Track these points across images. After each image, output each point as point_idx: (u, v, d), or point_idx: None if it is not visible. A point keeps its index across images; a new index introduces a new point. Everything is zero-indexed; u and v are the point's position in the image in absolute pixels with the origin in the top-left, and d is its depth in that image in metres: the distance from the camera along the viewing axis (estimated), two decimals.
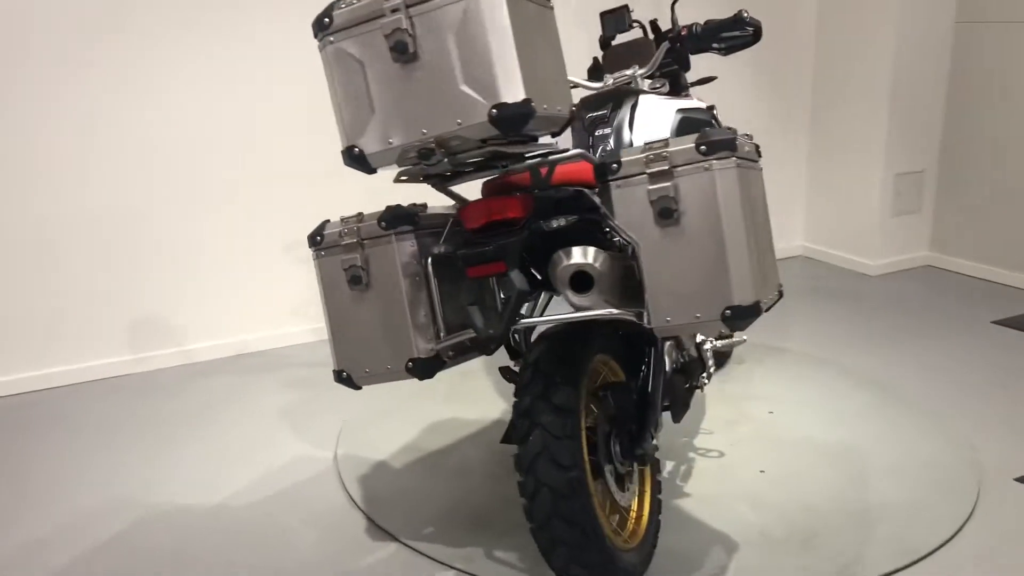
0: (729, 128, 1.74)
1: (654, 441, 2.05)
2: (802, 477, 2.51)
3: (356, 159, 1.68)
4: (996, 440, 2.70)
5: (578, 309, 1.76)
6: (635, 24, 2.96)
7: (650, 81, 2.85)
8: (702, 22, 2.82)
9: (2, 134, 3.32)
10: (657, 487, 2.19)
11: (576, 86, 2.72)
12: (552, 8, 1.75)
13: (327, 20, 1.65)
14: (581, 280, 1.74)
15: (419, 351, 1.85)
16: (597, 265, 1.72)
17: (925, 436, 2.74)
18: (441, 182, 1.85)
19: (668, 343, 2.23)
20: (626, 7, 2.91)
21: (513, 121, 1.54)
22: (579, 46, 4.02)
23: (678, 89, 2.92)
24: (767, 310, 1.77)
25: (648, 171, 1.70)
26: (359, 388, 1.98)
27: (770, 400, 3.06)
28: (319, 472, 2.69)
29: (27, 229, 3.43)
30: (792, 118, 5.11)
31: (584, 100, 2.65)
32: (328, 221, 1.96)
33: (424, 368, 1.86)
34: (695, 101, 2.76)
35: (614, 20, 2.95)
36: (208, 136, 3.65)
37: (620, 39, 3.10)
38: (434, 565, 2.15)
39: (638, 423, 2.04)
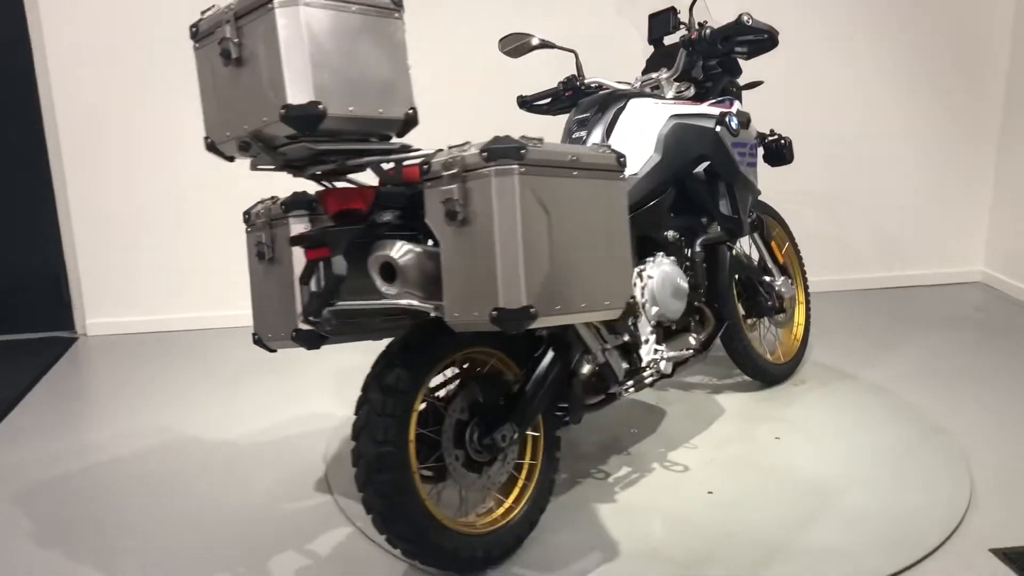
0: (527, 139, 1.76)
1: (515, 435, 2.09)
2: (748, 507, 2.37)
3: (210, 148, 1.96)
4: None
5: (385, 297, 1.90)
6: (682, 26, 2.93)
7: (677, 84, 2.80)
8: (715, 25, 2.73)
9: (154, 109, 4.02)
10: (542, 479, 2.24)
11: (601, 87, 2.77)
12: (398, 17, 1.89)
13: (195, 29, 1.93)
14: (389, 270, 1.88)
15: (301, 323, 2.09)
16: (399, 258, 1.84)
17: (927, 507, 2.44)
18: (297, 171, 2.06)
19: (580, 344, 2.25)
20: (672, 9, 2.90)
21: (301, 121, 1.73)
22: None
23: (711, 93, 2.84)
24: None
25: (444, 173, 1.79)
26: (273, 351, 2.25)
27: (790, 425, 2.87)
28: None
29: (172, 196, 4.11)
30: (979, 128, 4.55)
31: (579, 103, 2.70)
32: (259, 202, 2.25)
33: (305, 338, 2.09)
34: (702, 107, 2.69)
35: (660, 22, 2.95)
36: None
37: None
38: None
39: (501, 415, 2.10)
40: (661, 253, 2.60)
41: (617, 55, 3.46)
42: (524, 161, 1.73)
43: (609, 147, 1.98)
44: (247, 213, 2.22)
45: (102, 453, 2.87)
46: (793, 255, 3.38)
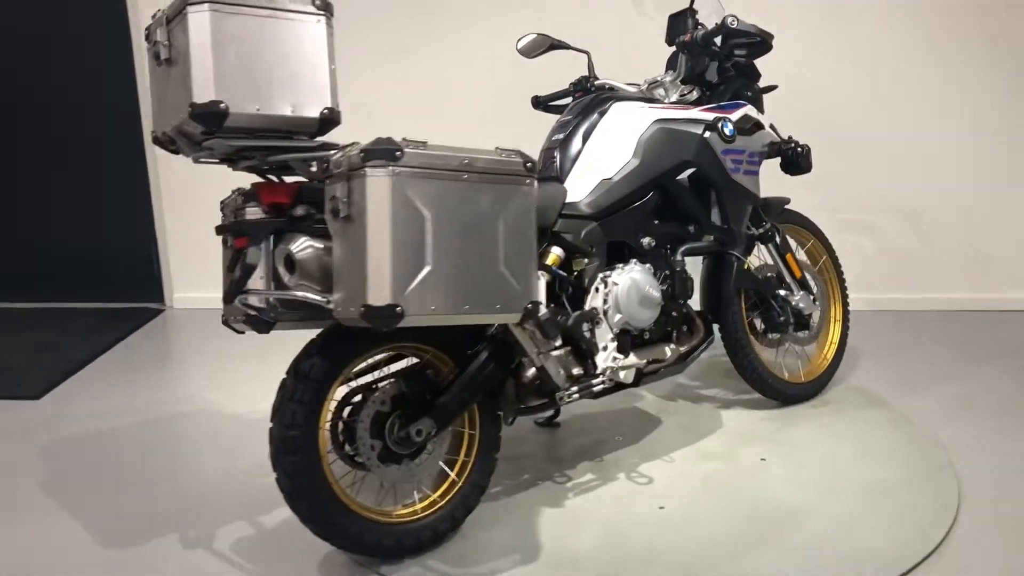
0: (408, 141, 1.80)
1: (432, 431, 2.12)
2: (692, 526, 2.29)
3: (155, 141, 2.12)
4: None
5: (289, 289, 1.98)
6: (700, 27, 2.84)
7: (681, 87, 2.73)
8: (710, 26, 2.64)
9: None
10: (473, 477, 2.27)
11: (610, 88, 2.75)
12: (319, 21, 1.97)
13: (147, 32, 2.10)
14: (291, 263, 1.97)
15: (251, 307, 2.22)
16: (297, 252, 1.93)
17: (883, 550, 2.26)
18: (232, 165, 2.17)
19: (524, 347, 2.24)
20: (691, 9, 2.83)
21: (205, 118, 1.85)
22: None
23: (720, 96, 2.74)
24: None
25: (334, 172, 1.86)
26: (241, 332, 2.40)
27: (783, 448, 2.72)
28: None
29: None
30: None
31: (570, 105, 2.70)
32: (232, 192, 2.40)
33: (253, 323, 2.22)
34: (693, 111, 2.61)
35: (679, 22, 2.89)
36: None
37: None
38: None
39: (421, 409, 2.15)
40: (634, 260, 2.54)
41: (643, 56, 3.37)
42: (399, 163, 1.77)
43: (518, 152, 1.98)
44: (222, 202, 2.38)
45: (151, 411, 3.15)
46: (831, 269, 3.19)
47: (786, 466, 2.62)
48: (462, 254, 1.86)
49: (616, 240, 2.54)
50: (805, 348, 3.15)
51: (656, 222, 2.62)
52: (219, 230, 2.10)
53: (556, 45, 2.81)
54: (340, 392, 2.15)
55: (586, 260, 2.49)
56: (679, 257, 2.60)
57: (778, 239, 2.93)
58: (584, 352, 2.42)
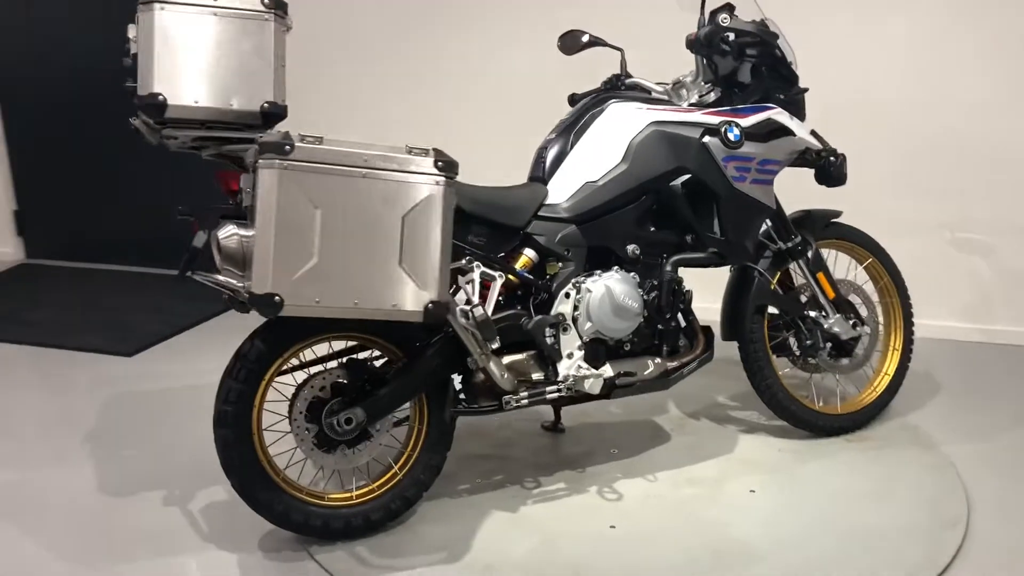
0: (304, 136, 1.85)
1: (361, 421, 2.16)
2: (631, 550, 2.19)
3: (136, 131, 2.30)
4: None
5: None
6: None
7: (702, 88, 2.58)
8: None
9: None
10: (414, 471, 2.29)
11: (637, 87, 2.67)
12: (267, 19, 2.07)
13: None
14: (218, 248, 2.08)
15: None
16: (222, 239, 2.03)
17: None
18: (199, 152, 2.28)
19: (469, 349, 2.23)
20: (728, 6, 2.67)
21: (147, 109, 2.00)
22: None
23: (746, 98, 2.56)
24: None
25: (249, 161, 1.95)
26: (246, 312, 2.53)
27: (783, 483, 2.50)
28: None
29: None
30: None
31: (575, 105, 2.64)
32: None
33: (234, 304, 2.38)
34: (695, 114, 2.46)
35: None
36: None
37: None
38: None
39: (354, 399, 2.19)
40: (616, 267, 2.43)
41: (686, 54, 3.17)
42: (289, 157, 1.83)
43: (433, 151, 1.97)
44: None
45: None
46: (893, 292, 2.87)
47: (775, 502, 2.41)
48: (354, 250, 1.89)
49: (599, 246, 2.45)
50: (850, 375, 2.86)
51: (651, 229, 2.49)
52: (179, 213, 2.26)
53: (592, 42, 2.73)
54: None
55: (560, 264, 2.42)
56: (668, 267, 2.46)
57: (809, 255, 2.67)
58: (546, 358, 2.36)
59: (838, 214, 2.79)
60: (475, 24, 4.21)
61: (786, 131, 2.53)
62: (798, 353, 2.72)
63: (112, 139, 4.33)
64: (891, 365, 2.87)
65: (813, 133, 2.66)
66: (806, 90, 2.63)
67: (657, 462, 2.64)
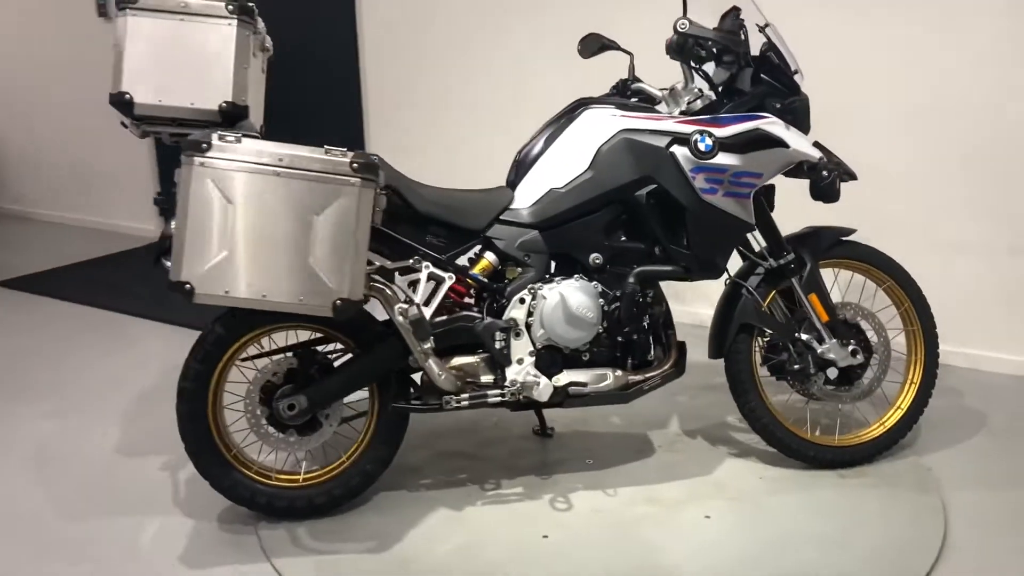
0: (223, 135, 1.96)
1: (303, 408, 2.26)
2: (550, 565, 2.17)
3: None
4: None
5: None
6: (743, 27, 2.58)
7: (691, 95, 2.48)
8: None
9: None
10: (360, 461, 2.38)
11: (640, 92, 2.64)
12: (230, 24, 2.20)
13: None
14: None
15: None
16: (167, 227, 2.18)
17: None
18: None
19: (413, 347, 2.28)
20: (735, 8, 2.59)
21: (116, 106, 2.19)
22: None
23: (738, 107, 2.46)
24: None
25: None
26: None
27: (745, 512, 2.38)
28: None
29: None
30: None
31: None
32: None
33: None
34: (665, 123, 2.39)
35: (725, 23, 2.65)
36: None
37: None
38: None
39: (300, 385, 2.30)
40: (578, 275, 2.40)
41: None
42: (207, 154, 1.95)
43: (354, 153, 2.02)
44: None
45: None
46: (915, 321, 2.63)
47: (723, 532, 2.30)
48: (265, 245, 1.98)
49: (562, 253, 2.42)
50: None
51: (622, 238, 2.43)
52: (155, 201, 2.44)
53: (606, 46, 2.68)
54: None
55: (520, 269, 2.41)
56: (631, 279, 2.39)
57: (804, 275, 2.50)
58: (494, 361, 2.36)
59: (850, 231, 2.59)
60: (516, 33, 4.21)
61: (776, 142, 2.38)
62: (788, 377, 2.56)
63: None
64: (905, 399, 2.64)
65: (818, 145, 2.49)
66: (803, 98, 2.46)
67: (627, 477, 2.58)
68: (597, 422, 2.93)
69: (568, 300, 2.33)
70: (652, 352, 2.49)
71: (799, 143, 2.42)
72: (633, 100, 2.53)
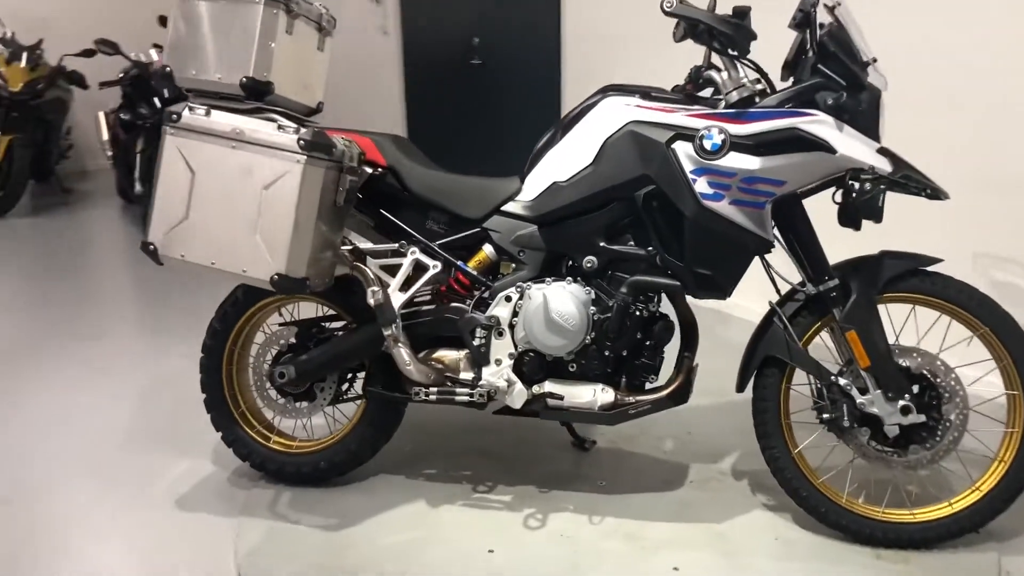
0: (192, 106, 2.07)
1: (291, 377, 2.31)
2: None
3: None
4: None
5: None
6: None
7: (739, 85, 2.18)
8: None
9: None
10: (346, 440, 2.41)
11: (709, 80, 2.39)
12: (257, 3, 2.31)
13: None
14: None
15: None
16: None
17: None
18: None
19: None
20: None
21: (164, 80, 2.41)
22: None
23: (790, 100, 2.11)
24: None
25: None
26: None
27: (724, 570, 2.03)
28: None
29: None
30: None
31: None
32: None
33: None
34: (675, 116, 2.10)
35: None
36: None
37: None
38: None
39: (293, 355, 2.37)
40: (571, 278, 2.20)
41: None
42: (176, 124, 2.08)
43: (296, 127, 2.02)
44: None
45: None
46: (1016, 381, 2.06)
47: None
48: (218, 214, 2.06)
49: (558, 252, 2.23)
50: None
51: (630, 242, 2.17)
52: None
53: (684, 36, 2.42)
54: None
55: (513, 266, 2.26)
56: (624, 289, 2.13)
57: (846, 306, 2.06)
58: (472, 360, 2.25)
59: (931, 261, 2.09)
60: None
61: (818, 145, 1.99)
62: (825, 427, 2.14)
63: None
64: (988, 481, 2.08)
65: (886, 153, 2.02)
66: (870, 94, 2.00)
67: (626, 507, 2.33)
68: (645, 443, 2.68)
69: (550, 303, 2.14)
70: (653, 373, 2.22)
71: (852, 148, 1.99)
72: (679, 88, 2.25)
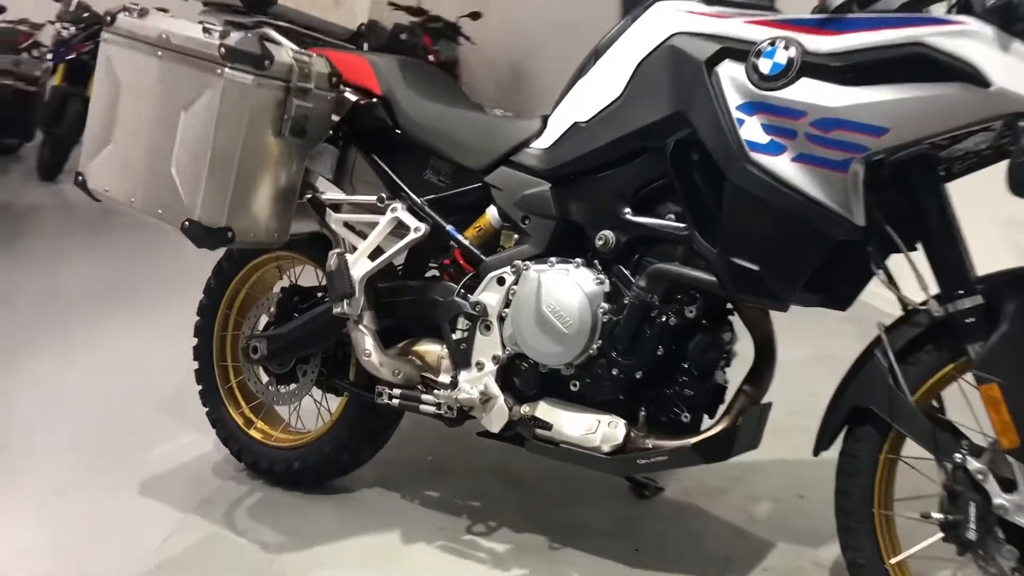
0: (131, 8, 1.68)
1: (264, 354, 1.89)
2: None
3: None
4: None
5: None
6: None
7: None
8: None
9: None
10: (323, 440, 1.94)
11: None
12: None
13: None
14: None
15: None
16: None
17: None
18: None
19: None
20: None
21: None
22: None
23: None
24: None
25: None
26: None
27: None
28: None
29: None
30: None
31: None
32: None
33: None
34: (733, 21, 1.43)
35: None
36: None
37: None
38: None
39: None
40: (581, 259, 1.55)
41: None
42: (111, 28, 1.70)
43: (220, 31, 1.55)
44: None
45: None
46: None
47: None
48: (139, 140, 1.66)
49: (571, 221, 1.57)
50: None
51: (670, 215, 1.48)
52: None
53: None
54: None
55: (516, 236, 1.64)
56: (641, 280, 1.44)
57: (988, 344, 1.22)
58: (454, 361, 1.67)
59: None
60: None
61: (954, 72, 1.18)
62: (941, 531, 1.32)
63: None
64: None
65: None
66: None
67: (637, 564, 1.65)
68: (730, 501, 1.95)
69: (546, 293, 1.52)
70: (695, 411, 1.51)
71: (1019, 79, 1.17)
72: None
